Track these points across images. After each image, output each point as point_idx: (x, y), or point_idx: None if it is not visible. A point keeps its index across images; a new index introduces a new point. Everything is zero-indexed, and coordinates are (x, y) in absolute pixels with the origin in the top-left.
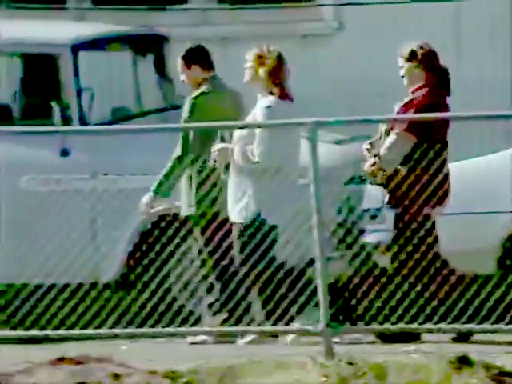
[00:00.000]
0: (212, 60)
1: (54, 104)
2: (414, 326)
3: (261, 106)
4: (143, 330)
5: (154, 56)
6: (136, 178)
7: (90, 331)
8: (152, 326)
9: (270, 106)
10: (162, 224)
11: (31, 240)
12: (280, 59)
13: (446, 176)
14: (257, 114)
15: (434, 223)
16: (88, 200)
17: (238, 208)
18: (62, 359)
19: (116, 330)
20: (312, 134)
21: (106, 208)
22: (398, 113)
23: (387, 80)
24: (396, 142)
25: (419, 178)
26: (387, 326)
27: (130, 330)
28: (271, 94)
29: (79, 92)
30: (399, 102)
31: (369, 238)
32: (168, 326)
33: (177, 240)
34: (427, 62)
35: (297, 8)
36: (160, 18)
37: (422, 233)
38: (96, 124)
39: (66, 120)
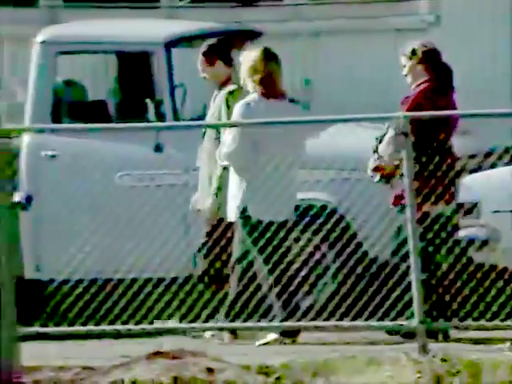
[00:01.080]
0: (233, 56)
1: (148, 101)
2: (509, 322)
3: (240, 102)
4: (235, 324)
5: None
6: None
7: (184, 325)
8: (245, 321)
9: (247, 104)
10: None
11: (126, 235)
12: (265, 57)
13: (445, 173)
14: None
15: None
16: (181, 195)
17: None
18: (157, 353)
19: (209, 325)
20: (404, 129)
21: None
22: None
23: (485, 76)
24: (393, 138)
25: (419, 176)
26: (482, 322)
27: (222, 324)
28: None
29: (172, 88)
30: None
31: (463, 233)
32: (259, 320)
33: (269, 234)
34: (429, 60)
35: (391, 2)
36: (252, 14)
37: None
38: (189, 120)
39: (160, 116)
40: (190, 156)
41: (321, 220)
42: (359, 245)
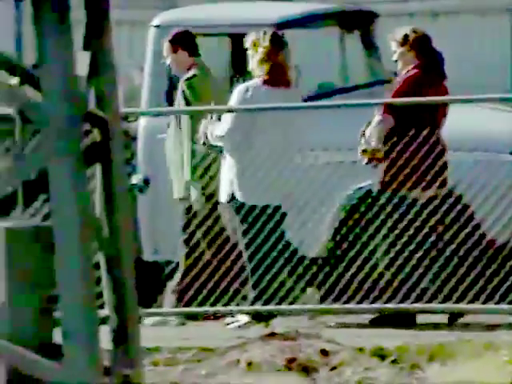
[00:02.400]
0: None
1: None
2: None
3: (238, 86)
4: (349, 306)
5: (361, 32)
6: (341, 152)
7: (297, 306)
8: (359, 303)
9: (246, 89)
10: (368, 199)
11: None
12: (275, 44)
13: (435, 159)
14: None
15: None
16: (294, 175)
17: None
18: (272, 335)
19: (322, 306)
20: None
21: (312, 183)
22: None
23: None
24: (377, 124)
25: (407, 161)
26: None
27: (336, 305)
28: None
29: None
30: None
31: None
32: (373, 302)
33: (383, 216)
34: (420, 46)
35: None
36: None
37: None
38: (303, 100)
39: None
40: (305, 136)
41: (437, 201)
42: (477, 226)
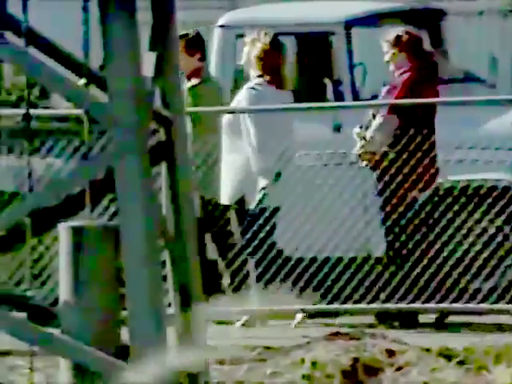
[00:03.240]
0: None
1: (326, 80)
2: None
3: (246, 86)
4: (415, 305)
5: (429, 30)
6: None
7: (362, 306)
8: (425, 302)
9: (253, 88)
10: (435, 198)
11: (306, 214)
12: (273, 45)
13: (433, 160)
14: (240, 95)
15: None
16: (360, 174)
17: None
18: (336, 334)
19: (388, 305)
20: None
21: None
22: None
23: None
24: (381, 125)
25: (405, 162)
26: None
27: (401, 305)
28: (260, 77)
29: (351, 68)
30: (387, 85)
31: None
32: (440, 302)
33: (450, 214)
34: (412, 47)
35: None
36: None
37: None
38: (368, 99)
39: (339, 96)
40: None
41: (504, 201)
42: None
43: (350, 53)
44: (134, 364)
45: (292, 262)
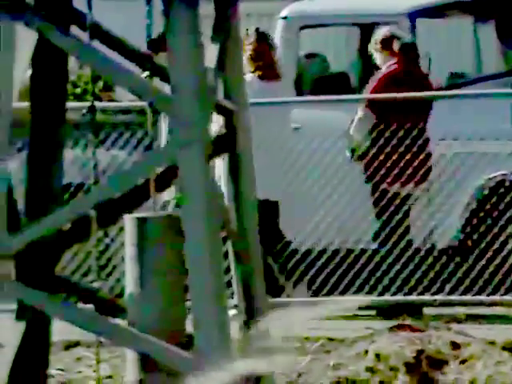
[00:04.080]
0: None
1: None
2: None
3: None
4: (481, 297)
5: (496, 21)
6: (472, 142)
7: (426, 297)
8: (490, 294)
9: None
10: (501, 189)
11: (367, 207)
12: (260, 40)
13: (416, 155)
14: None
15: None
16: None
17: None
18: (400, 326)
19: (452, 297)
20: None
21: (444, 173)
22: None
23: None
24: (359, 119)
25: (383, 156)
26: None
27: (467, 297)
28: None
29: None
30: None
31: None
32: (505, 294)
33: None
34: (399, 47)
35: None
36: None
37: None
38: (436, 89)
39: None
40: (433, 126)
41: None
42: None
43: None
44: (196, 353)
45: (356, 253)
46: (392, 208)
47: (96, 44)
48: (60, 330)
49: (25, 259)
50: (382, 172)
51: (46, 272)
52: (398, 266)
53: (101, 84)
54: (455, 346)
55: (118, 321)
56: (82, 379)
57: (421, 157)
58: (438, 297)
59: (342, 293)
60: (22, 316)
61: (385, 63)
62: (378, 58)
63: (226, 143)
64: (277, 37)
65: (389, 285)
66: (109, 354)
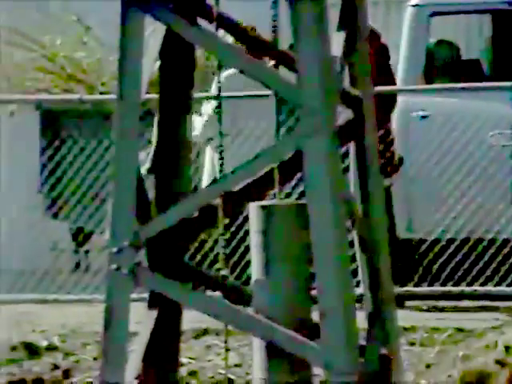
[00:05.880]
0: None
1: None
2: None
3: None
4: None
5: None
6: None
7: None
8: None
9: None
10: None
11: (497, 195)
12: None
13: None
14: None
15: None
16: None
17: None
18: None
19: None
20: None
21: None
22: None
23: None
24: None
25: None
26: None
27: None
28: None
29: None
30: None
31: None
32: None
33: None
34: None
35: None
36: None
37: None
38: None
39: None
40: None
41: None
42: None
43: None
44: (322, 343)
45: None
46: None
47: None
48: (188, 318)
49: (155, 248)
50: None
51: (176, 260)
52: None
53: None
54: None
55: (245, 308)
56: (212, 367)
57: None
58: None
59: (470, 284)
60: (154, 304)
61: None
62: None
63: (353, 132)
64: (405, 24)
65: (492, 275)
66: (237, 343)
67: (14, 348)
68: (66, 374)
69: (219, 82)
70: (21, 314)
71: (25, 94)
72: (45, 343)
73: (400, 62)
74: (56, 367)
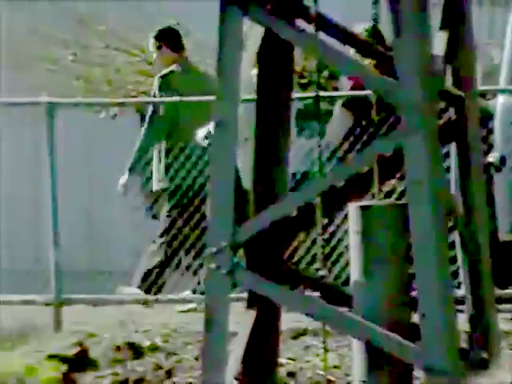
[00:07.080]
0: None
1: None
2: None
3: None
4: None
5: None
6: None
7: None
8: None
9: None
10: None
11: None
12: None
13: None
14: None
15: None
16: None
17: None
18: None
19: None
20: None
21: None
22: None
23: None
24: (336, 117)
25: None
26: None
27: None
28: None
29: None
30: None
31: None
32: None
33: None
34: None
35: None
36: None
37: None
38: None
39: None
40: None
41: None
42: None
43: None
44: (422, 345)
45: None
46: None
47: (321, 35)
48: (287, 318)
49: (254, 248)
50: None
51: (274, 260)
52: None
53: (326, 74)
54: None
55: (344, 309)
56: (311, 368)
57: None
58: None
59: None
60: (253, 304)
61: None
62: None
63: (455, 131)
64: (510, 24)
65: None
66: (335, 343)
67: (118, 348)
68: (169, 374)
69: (319, 83)
70: (126, 314)
71: (126, 97)
72: (147, 343)
73: (503, 62)
74: (159, 367)
